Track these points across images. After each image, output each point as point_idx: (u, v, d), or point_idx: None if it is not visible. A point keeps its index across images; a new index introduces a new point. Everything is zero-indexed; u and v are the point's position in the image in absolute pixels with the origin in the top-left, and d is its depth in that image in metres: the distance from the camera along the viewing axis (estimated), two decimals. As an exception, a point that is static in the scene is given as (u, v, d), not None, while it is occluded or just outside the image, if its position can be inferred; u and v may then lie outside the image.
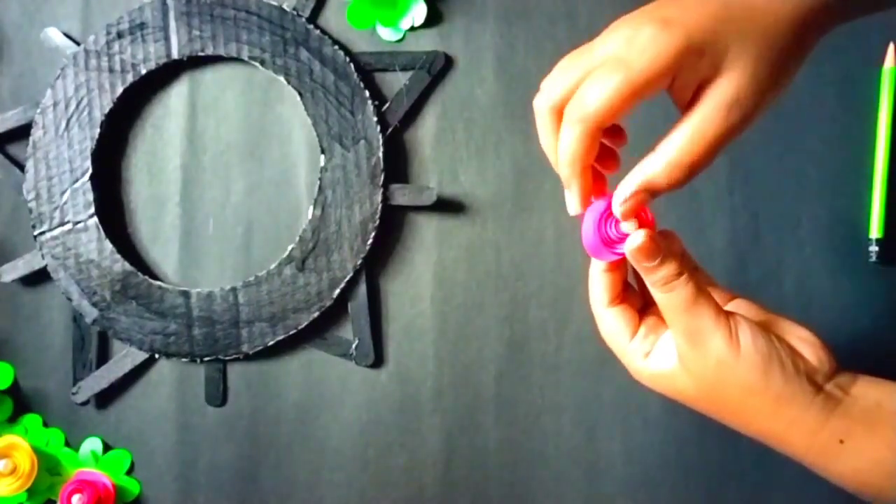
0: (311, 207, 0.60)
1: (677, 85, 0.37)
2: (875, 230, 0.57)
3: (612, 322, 0.42)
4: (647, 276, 0.39)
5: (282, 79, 0.60)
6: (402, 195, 0.60)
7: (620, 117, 0.37)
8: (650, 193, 0.38)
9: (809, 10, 0.36)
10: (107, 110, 0.60)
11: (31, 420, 0.62)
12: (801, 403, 0.38)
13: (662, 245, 0.39)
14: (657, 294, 0.40)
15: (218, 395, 0.62)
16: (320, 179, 0.60)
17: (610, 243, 0.40)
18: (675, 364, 0.40)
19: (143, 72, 0.60)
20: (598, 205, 0.40)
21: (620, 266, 0.42)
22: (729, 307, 0.42)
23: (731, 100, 0.36)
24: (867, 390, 0.39)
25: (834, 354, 0.40)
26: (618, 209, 0.39)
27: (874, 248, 0.57)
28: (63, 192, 0.61)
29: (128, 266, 0.60)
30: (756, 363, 0.38)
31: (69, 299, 0.61)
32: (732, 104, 0.36)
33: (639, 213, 0.39)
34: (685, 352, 0.39)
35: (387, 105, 0.60)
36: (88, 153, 0.61)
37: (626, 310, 0.42)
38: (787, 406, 0.38)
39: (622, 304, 0.42)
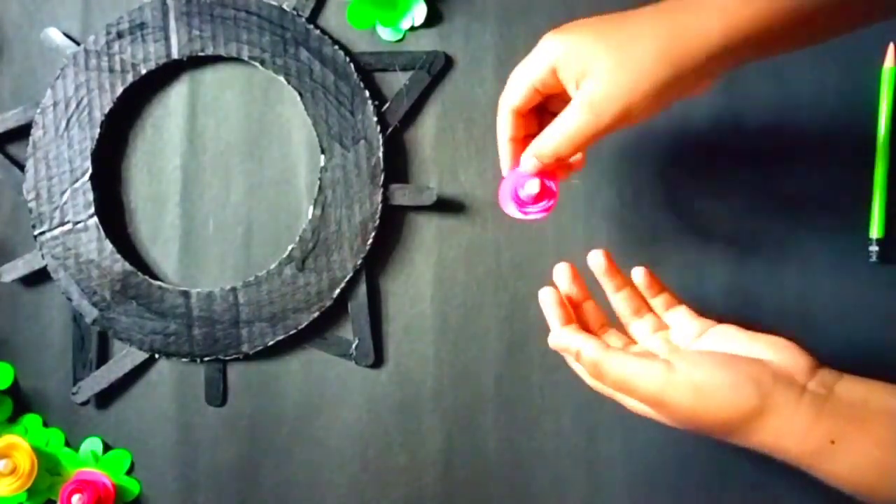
0: (311, 207, 0.60)
1: (562, 86, 0.46)
2: (875, 230, 0.57)
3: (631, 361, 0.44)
4: (580, 365, 0.46)
5: (282, 79, 0.60)
6: (402, 195, 0.60)
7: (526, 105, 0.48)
8: (540, 161, 0.47)
9: (682, 38, 0.42)
10: (107, 110, 0.61)
11: (31, 420, 0.62)
12: (786, 411, 0.39)
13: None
14: (600, 378, 0.45)
15: (218, 395, 0.62)
16: (320, 179, 0.60)
17: (519, 203, 0.49)
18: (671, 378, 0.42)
19: (143, 72, 0.60)
20: (516, 172, 0.49)
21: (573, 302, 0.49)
22: (705, 337, 0.46)
23: (585, 100, 0.44)
24: (852, 388, 0.40)
25: (812, 354, 0.42)
26: (522, 165, 0.48)
27: (874, 248, 0.57)
28: (63, 192, 0.61)
29: (128, 266, 0.60)
30: (716, 381, 0.41)
31: (69, 299, 0.61)
32: (585, 104, 0.44)
33: (543, 184, 0.48)
34: (660, 390, 0.42)
35: (387, 105, 0.60)
36: (88, 153, 0.61)
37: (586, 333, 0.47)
38: (774, 416, 0.39)
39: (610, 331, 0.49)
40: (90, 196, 0.61)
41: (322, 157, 0.60)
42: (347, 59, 0.60)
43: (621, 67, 0.43)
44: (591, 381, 0.47)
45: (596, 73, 0.43)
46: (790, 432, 0.39)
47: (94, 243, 0.61)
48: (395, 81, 0.61)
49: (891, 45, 0.57)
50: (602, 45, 0.43)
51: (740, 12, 0.41)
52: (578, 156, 0.50)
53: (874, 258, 0.57)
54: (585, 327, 0.48)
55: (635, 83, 0.42)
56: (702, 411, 0.41)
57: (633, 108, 0.43)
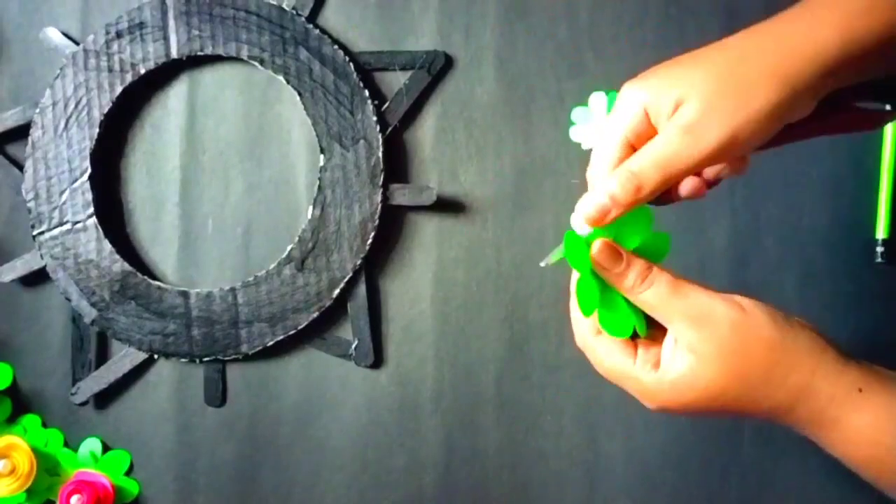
0: (311, 207, 0.60)
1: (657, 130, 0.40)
2: (881, 231, 0.57)
3: (607, 349, 0.41)
4: (621, 282, 0.40)
5: (281, 78, 0.60)
6: (401, 195, 0.60)
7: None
8: (614, 206, 0.39)
9: (795, 52, 0.38)
10: (106, 110, 0.60)
11: (30, 420, 0.62)
12: (818, 352, 0.38)
13: (622, 249, 0.40)
14: (640, 296, 0.39)
15: (217, 395, 0.62)
16: (320, 179, 0.60)
17: None
18: (690, 359, 0.39)
19: (143, 71, 0.60)
20: None
21: None
22: None
23: (681, 123, 0.38)
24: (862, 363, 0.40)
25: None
26: (581, 217, 0.40)
27: (880, 249, 0.57)
28: (62, 192, 0.61)
29: (127, 266, 0.60)
30: (765, 317, 0.38)
31: (68, 299, 0.61)
32: (680, 127, 0.38)
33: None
34: (694, 339, 0.38)
35: (386, 105, 0.60)
36: (87, 153, 0.60)
37: None
38: (808, 355, 0.38)
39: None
40: (89, 196, 0.60)
41: (321, 156, 0.60)
42: (347, 58, 0.60)
43: (725, 87, 0.38)
44: None
45: (694, 97, 0.38)
46: (823, 373, 0.38)
47: (93, 243, 0.61)
48: (395, 81, 0.61)
49: None
50: (699, 71, 0.39)
51: (861, 21, 0.37)
52: (689, 187, 0.42)
53: (880, 258, 0.57)
54: None
55: (743, 102, 0.38)
56: (745, 338, 0.38)
57: (739, 132, 0.38)
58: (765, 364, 0.38)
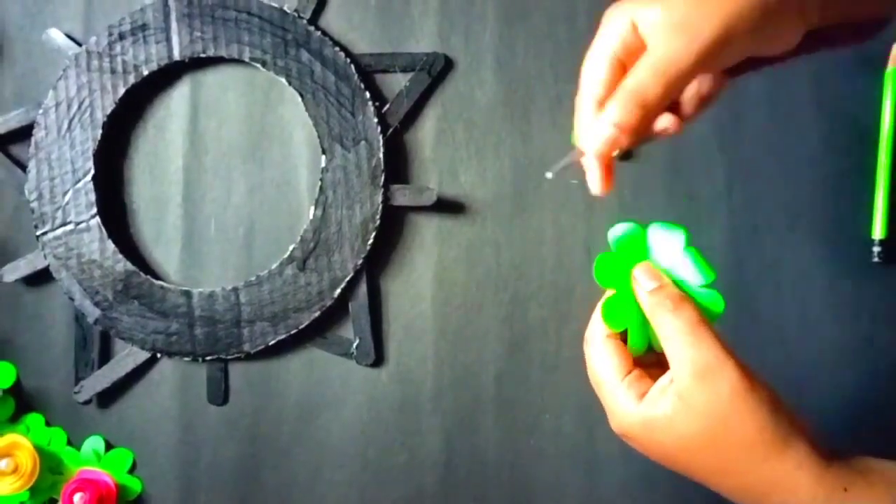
0: (312, 208, 0.60)
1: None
2: (878, 231, 0.57)
3: (607, 355, 0.39)
4: (653, 298, 0.38)
5: (283, 80, 0.60)
6: (402, 195, 0.60)
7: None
8: (621, 122, 0.36)
9: None
10: (109, 111, 0.61)
11: (34, 419, 0.62)
12: (806, 447, 0.36)
13: (659, 271, 0.39)
14: (661, 319, 0.38)
15: (219, 394, 0.62)
16: (321, 180, 0.60)
17: None
18: (677, 405, 0.37)
19: (145, 73, 0.61)
20: None
21: None
22: None
23: (674, 22, 0.36)
24: (846, 454, 0.38)
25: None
26: (591, 152, 0.37)
27: (877, 249, 0.57)
28: (65, 193, 0.61)
29: (130, 266, 0.61)
30: (769, 396, 0.36)
31: (71, 299, 0.61)
32: (675, 26, 0.36)
33: None
34: (691, 388, 0.36)
35: (387, 106, 0.61)
36: (90, 154, 0.61)
37: (623, 347, 0.40)
38: (795, 446, 0.36)
39: (619, 340, 0.40)
40: (92, 196, 0.61)
41: (323, 157, 0.60)
42: (348, 60, 0.60)
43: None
44: None
45: (684, 1, 0.36)
46: (808, 468, 0.36)
47: (96, 243, 0.61)
48: (396, 83, 0.61)
49: (894, 48, 0.57)
50: None
51: None
52: (667, 122, 0.39)
53: (877, 258, 0.57)
54: None
55: (736, 1, 0.35)
56: (739, 409, 0.36)
57: (731, 24, 0.35)
58: (749, 441, 0.36)
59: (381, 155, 0.60)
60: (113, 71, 0.61)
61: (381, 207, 0.60)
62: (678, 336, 0.37)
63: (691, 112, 0.41)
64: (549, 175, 0.39)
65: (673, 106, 0.39)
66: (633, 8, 0.37)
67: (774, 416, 0.36)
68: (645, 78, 0.36)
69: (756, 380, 0.37)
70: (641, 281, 0.39)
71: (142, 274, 0.61)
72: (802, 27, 0.38)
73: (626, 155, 0.42)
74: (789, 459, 0.36)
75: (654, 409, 0.37)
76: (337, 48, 0.60)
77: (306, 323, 0.60)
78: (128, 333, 0.61)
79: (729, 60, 0.37)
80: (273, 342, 0.60)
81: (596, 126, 0.37)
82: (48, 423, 0.63)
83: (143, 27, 0.61)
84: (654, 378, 0.39)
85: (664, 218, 0.40)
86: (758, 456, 0.36)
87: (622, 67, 0.37)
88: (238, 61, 0.61)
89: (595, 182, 0.39)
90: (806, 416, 0.38)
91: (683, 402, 0.37)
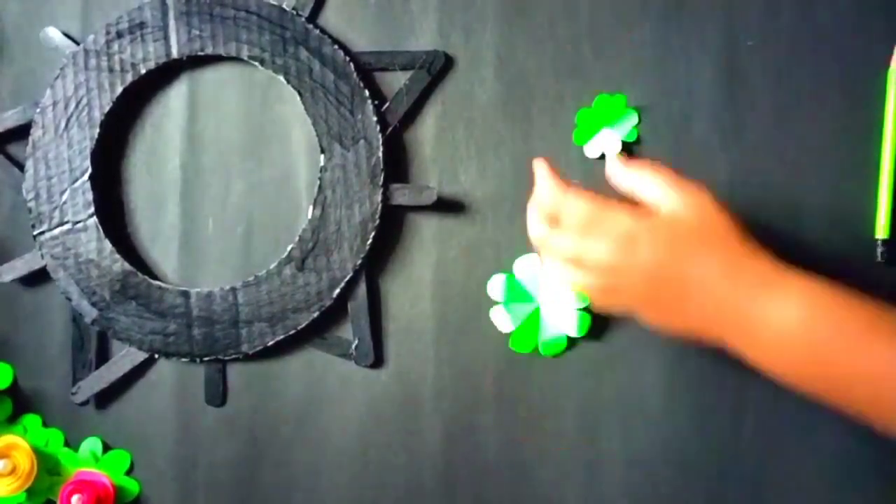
0: (311, 207, 0.60)
1: None
2: (881, 231, 0.57)
3: (574, 203, 0.49)
4: (635, 168, 0.49)
5: (281, 78, 0.60)
6: (402, 195, 0.60)
7: None
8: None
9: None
10: (106, 110, 0.60)
11: (31, 420, 0.62)
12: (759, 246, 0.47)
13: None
14: (647, 173, 0.48)
15: (218, 395, 0.62)
16: (320, 179, 0.60)
17: None
18: (672, 209, 0.47)
19: (143, 71, 0.60)
20: None
21: None
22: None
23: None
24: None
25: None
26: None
27: (881, 249, 0.57)
28: (62, 192, 0.61)
29: (127, 266, 0.60)
30: (731, 215, 0.48)
31: (69, 299, 0.61)
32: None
33: None
34: (680, 198, 0.47)
35: (387, 105, 0.60)
36: (88, 153, 0.60)
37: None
38: (749, 241, 0.47)
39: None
40: (90, 196, 0.61)
41: (322, 156, 0.60)
42: (347, 58, 0.60)
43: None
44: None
45: None
46: (752, 252, 0.46)
47: (93, 243, 0.61)
48: (395, 81, 0.61)
49: None
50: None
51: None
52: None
53: (880, 258, 0.57)
54: None
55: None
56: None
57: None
58: (728, 228, 0.46)
59: (380, 154, 0.59)
60: (111, 69, 0.60)
61: (380, 207, 0.59)
62: (663, 177, 0.48)
63: None
64: None
65: None
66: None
67: (739, 228, 0.47)
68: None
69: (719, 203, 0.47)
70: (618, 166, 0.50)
71: (139, 274, 0.60)
72: None
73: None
74: (750, 245, 0.46)
75: (650, 217, 0.47)
76: (336, 46, 0.60)
77: (305, 323, 0.60)
78: (125, 334, 0.61)
79: None
80: (271, 343, 0.60)
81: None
82: (45, 424, 0.63)
83: (141, 25, 0.60)
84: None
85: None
86: (735, 237, 0.46)
87: None
88: (236, 59, 0.61)
89: None
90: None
91: (680, 209, 0.47)
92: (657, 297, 0.47)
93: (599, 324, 0.58)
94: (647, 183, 0.48)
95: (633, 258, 0.46)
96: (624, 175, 0.49)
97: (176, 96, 0.62)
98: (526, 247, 0.60)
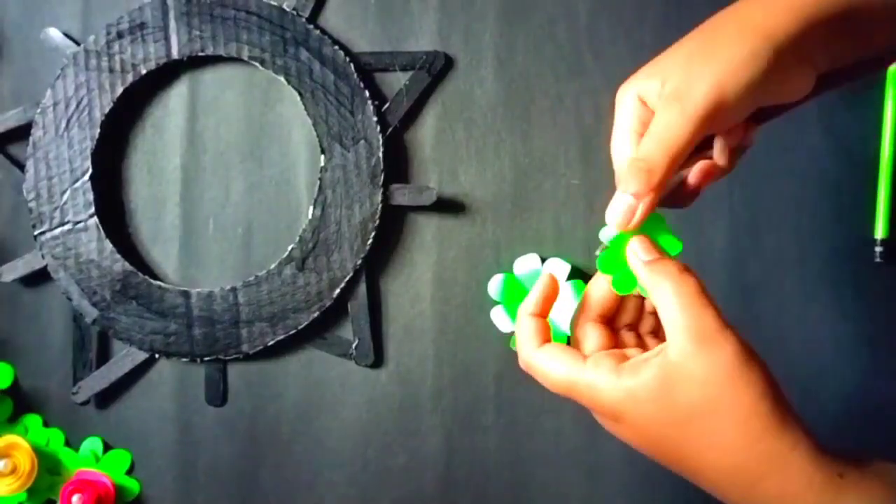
0: (311, 207, 0.60)
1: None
2: (880, 230, 0.57)
3: (556, 352, 0.40)
4: (653, 267, 0.37)
5: (282, 79, 0.60)
6: (402, 195, 0.60)
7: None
8: (638, 199, 0.38)
9: (763, 15, 0.37)
10: (107, 110, 0.61)
11: (32, 420, 0.62)
12: (801, 428, 0.35)
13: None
14: (662, 287, 0.36)
15: (218, 394, 0.62)
16: (320, 179, 0.60)
17: None
18: (670, 371, 0.35)
19: (143, 72, 0.60)
20: None
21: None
22: None
23: (669, 94, 0.37)
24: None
25: None
26: (612, 224, 0.38)
27: (879, 249, 0.57)
28: (63, 192, 0.61)
29: (128, 266, 0.60)
30: (766, 372, 0.35)
31: (69, 299, 0.61)
32: (670, 98, 0.37)
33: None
34: (689, 351, 0.35)
35: (387, 105, 0.60)
36: (88, 153, 0.61)
37: (564, 345, 0.40)
38: (792, 426, 0.35)
39: (556, 343, 0.40)
40: (90, 196, 0.61)
41: (322, 157, 0.60)
42: (347, 59, 0.60)
43: (703, 46, 0.38)
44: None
45: (677, 66, 0.38)
46: (804, 449, 0.34)
47: (94, 243, 0.61)
48: (395, 81, 0.61)
49: None
50: (680, 46, 0.39)
51: None
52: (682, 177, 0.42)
53: (879, 258, 0.57)
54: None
55: (723, 57, 0.36)
56: (742, 376, 0.35)
57: (724, 86, 0.36)
58: (745, 412, 0.34)
59: (380, 154, 0.60)
60: (111, 70, 0.61)
61: (380, 207, 0.59)
62: (679, 301, 0.36)
63: (726, 164, 0.42)
64: (597, 253, 0.40)
65: (707, 155, 0.42)
66: (637, 83, 0.39)
67: (772, 391, 0.35)
68: (648, 149, 0.37)
69: (755, 353, 0.35)
70: (639, 253, 0.38)
71: (140, 274, 0.61)
72: (812, 73, 0.38)
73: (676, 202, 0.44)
74: (786, 438, 0.34)
75: (639, 379, 0.36)
76: (336, 47, 0.60)
77: (305, 323, 0.60)
78: (126, 334, 0.61)
79: (733, 118, 0.38)
80: (272, 343, 0.60)
81: (615, 201, 0.38)
82: (46, 424, 0.63)
83: (142, 26, 0.60)
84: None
85: (665, 217, 0.40)
86: (754, 430, 0.34)
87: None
88: (237, 60, 0.61)
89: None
90: (805, 415, 0.37)
91: (679, 368, 0.35)
92: (661, 459, 0.39)
93: (599, 324, 0.58)
94: (664, 298, 0.36)
95: (618, 429, 0.39)
96: (640, 270, 0.38)
97: (176, 97, 0.62)
98: (526, 247, 0.60)
